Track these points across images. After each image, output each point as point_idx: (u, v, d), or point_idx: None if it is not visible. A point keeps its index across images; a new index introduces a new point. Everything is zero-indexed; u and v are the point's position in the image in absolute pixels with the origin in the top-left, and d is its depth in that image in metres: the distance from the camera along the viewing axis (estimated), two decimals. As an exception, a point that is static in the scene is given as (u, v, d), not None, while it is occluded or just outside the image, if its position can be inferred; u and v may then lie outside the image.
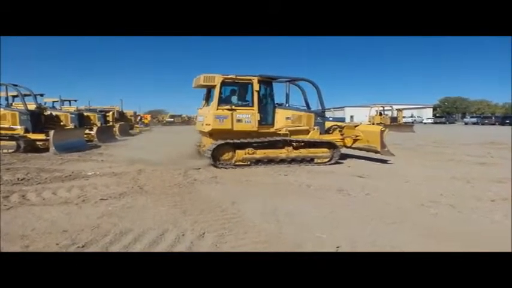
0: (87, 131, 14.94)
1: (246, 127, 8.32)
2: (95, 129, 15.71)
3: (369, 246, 3.40)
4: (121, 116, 25.17)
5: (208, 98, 9.15)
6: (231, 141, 8.16)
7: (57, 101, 20.43)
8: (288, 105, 9.38)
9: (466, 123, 54.37)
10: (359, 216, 4.41)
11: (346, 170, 8.16)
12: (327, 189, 5.97)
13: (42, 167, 7.96)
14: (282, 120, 8.89)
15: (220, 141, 8.12)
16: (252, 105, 8.42)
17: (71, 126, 15.14)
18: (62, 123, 14.87)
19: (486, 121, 51.08)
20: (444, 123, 58.00)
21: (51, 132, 10.83)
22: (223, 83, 8.32)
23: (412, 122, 43.62)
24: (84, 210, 4.57)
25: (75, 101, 23.77)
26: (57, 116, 15.02)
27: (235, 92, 8.71)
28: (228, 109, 8.20)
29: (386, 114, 31.90)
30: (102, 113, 20.18)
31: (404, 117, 37.68)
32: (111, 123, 20.58)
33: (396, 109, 33.37)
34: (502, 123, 46.53)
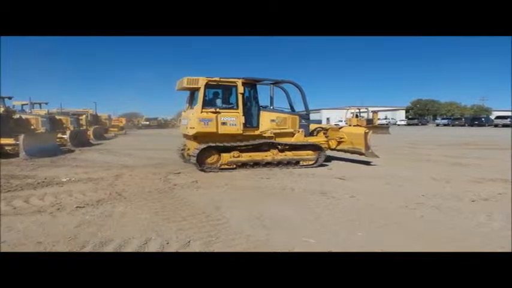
0: (59, 135, 14.40)
1: (231, 130, 8.19)
2: (67, 133, 15.15)
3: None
4: (95, 119, 24.56)
5: (191, 101, 8.97)
6: (217, 144, 8.02)
7: (26, 104, 19.69)
8: (273, 108, 9.31)
9: (437, 125, 56.15)
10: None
11: (328, 172, 8.15)
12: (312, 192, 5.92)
13: (12, 174, 7.53)
14: (267, 122, 8.79)
15: (205, 145, 7.93)
16: (237, 108, 8.30)
17: (42, 130, 14.58)
18: (32, 127, 14.31)
19: (456, 122, 52.95)
20: (417, 124, 59.72)
21: (21, 137, 10.32)
22: (207, 86, 8.16)
23: (387, 124, 44.52)
24: (59, 220, 4.30)
25: (46, 103, 23.07)
26: (27, 120, 14.47)
27: (219, 94, 8.59)
28: (213, 112, 8.04)
29: (362, 117, 32.34)
30: (75, 116, 19.64)
31: (379, 119, 38.40)
32: (84, 127, 20.02)
33: (372, 111, 33.93)
34: (471, 125, 48.72)
